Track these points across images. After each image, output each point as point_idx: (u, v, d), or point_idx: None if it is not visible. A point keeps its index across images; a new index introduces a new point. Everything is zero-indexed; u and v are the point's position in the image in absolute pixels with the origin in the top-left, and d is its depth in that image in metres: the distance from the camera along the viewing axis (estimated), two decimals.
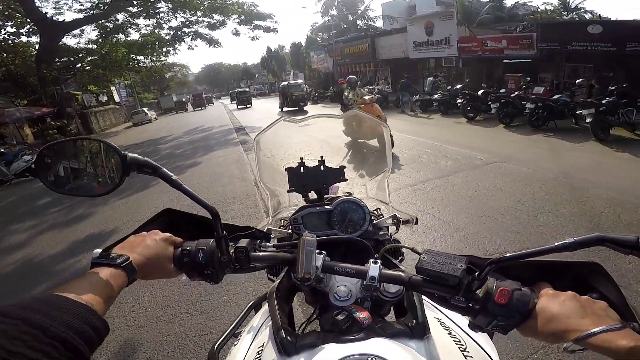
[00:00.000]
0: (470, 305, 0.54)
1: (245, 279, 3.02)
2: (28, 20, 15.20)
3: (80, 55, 17.56)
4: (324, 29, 32.96)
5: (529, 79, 10.95)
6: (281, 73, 45.12)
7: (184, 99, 46.03)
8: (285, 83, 22.41)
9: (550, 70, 12.70)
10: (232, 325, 0.89)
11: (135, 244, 0.64)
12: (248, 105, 28.20)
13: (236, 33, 20.82)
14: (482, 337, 0.71)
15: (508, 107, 9.18)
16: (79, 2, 16.83)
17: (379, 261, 0.64)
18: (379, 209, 1.11)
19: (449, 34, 15.55)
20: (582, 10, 21.60)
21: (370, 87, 18.15)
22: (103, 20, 17.29)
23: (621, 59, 10.23)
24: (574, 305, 0.48)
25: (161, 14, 18.17)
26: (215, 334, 2.45)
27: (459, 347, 0.66)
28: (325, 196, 1.04)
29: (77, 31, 17.67)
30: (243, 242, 0.71)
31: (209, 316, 2.66)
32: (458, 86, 12.20)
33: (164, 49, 19.61)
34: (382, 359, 0.53)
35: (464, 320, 0.66)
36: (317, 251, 0.65)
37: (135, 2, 16.51)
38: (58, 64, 16.03)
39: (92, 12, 16.93)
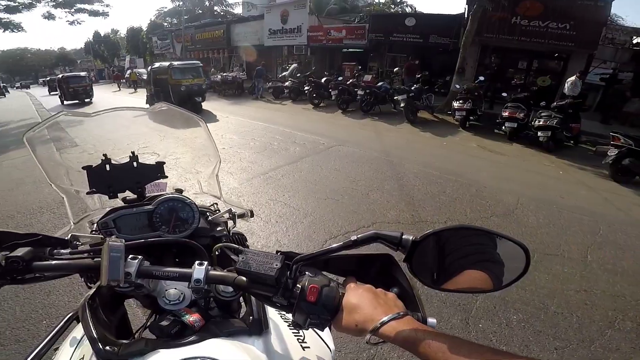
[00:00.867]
0: (291, 302, 0.55)
1: (67, 301, 2.46)
2: None
3: None
4: (174, 14, 30.80)
5: (360, 67, 12.59)
6: (113, 58, 39.88)
7: None
8: (158, 65, 13.18)
9: (377, 60, 14.93)
10: (47, 339, 0.75)
11: None
12: (87, 100, 16.86)
13: (49, 17, 16.45)
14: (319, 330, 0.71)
15: (344, 94, 10.33)
16: None
17: (205, 262, 0.61)
18: (216, 204, 1.06)
19: (300, 22, 16.24)
20: (404, 4, 25.77)
21: (224, 74, 17.45)
22: None
23: (425, 50, 12.77)
24: (370, 296, 0.53)
25: None
26: None
27: (297, 339, 0.67)
28: (147, 195, 0.95)
29: None
30: (19, 252, 0.64)
31: (28, 344, 2.10)
32: (306, 74, 12.99)
33: None
34: None
35: None
36: (131, 256, 0.61)
37: None
38: None
39: None
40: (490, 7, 9.28)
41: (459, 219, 3.76)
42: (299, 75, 13.54)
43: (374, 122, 9.06)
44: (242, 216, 1.01)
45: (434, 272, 0.55)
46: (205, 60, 23.85)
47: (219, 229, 0.92)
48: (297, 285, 0.55)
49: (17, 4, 15.40)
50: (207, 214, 0.94)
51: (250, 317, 0.64)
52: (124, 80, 24.84)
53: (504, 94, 8.44)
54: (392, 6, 25.59)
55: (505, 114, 7.42)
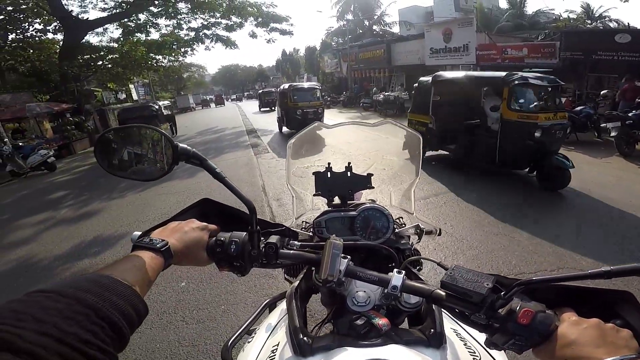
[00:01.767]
0: (490, 323, 0.53)
1: (244, 291, 2.93)
2: (54, 17, 15.62)
3: (101, 53, 17.90)
4: (339, 34, 32.61)
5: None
6: (295, 76, 45.34)
7: (207, 98, 54.62)
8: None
9: (572, 80, 12.25)
10: (247, 323, 0.89)
11: (174, 230, 0.67)
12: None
13: (253, 35, 20.83)
14: (496, 351, 0.68)
15: None
16: (104, 0, 17.30)
17: (403, 272, 0.63)
18: (402, 217, 1.12)
19: (467, 40, 15.23)
20: (606, 19, 20.80)
21: (386, 94, 17.98)
22: (125, 20, 17.68)
23: None
24: (594, 334, 0.47)
25: (181, 15, 18.47)
26: (210, 344, 2.36)
27: (474, 359, 0.65)
28: (349, 202, 1.05)
29: (100, 29, 18.17)
30: (273, 239, 0.73)
31: (205, 326, 2.56)
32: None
33: (182, 49, 19.84)
34: None
35: (477, 333, 0.63)
36: (342, 255, 0.65)
37: (156, 2, 16.81)
38: (81, 61, 16.37)
39: (115, 11, 17.36)
40: None
41: None
42: None
43: (569, 152, 7.34)
44: (429, 233, 1.01)
45: None
46: (367, 79, 24.60)
47: (403, 241, 0.96)
48: (503, 308, 0.53)
49: (232, 23, 19.43)
50: (395, 226, 0.97)
51: (432, 330, 0.64)
52: None
53: None
54: (588, 21, 20.76)
55: None
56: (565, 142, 7.91)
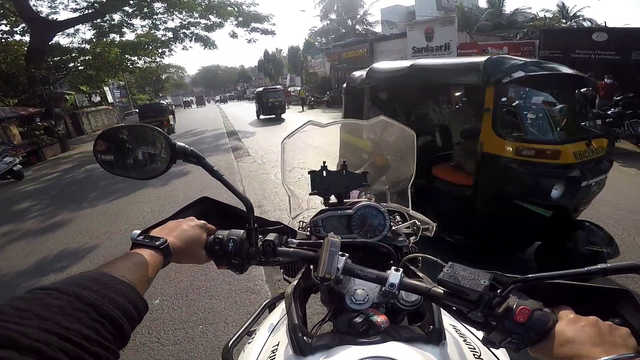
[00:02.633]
0: (487, 321, 0.53)
1: (224, 308, 2.73)
2: (21, 19, 14.82)
3: (72, 54, 17.09)
4: (323, 33, 32.71)
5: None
6: (278, 77, 44.94)
7: (189, 100, 56.86)
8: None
9: None
10: (247, 324, 0.90)
11: (172, 228, 0.68)
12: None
13: (233, 35, 20.37)
14: None
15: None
16: (75, 1, 16.50)
17: (401, 269, 0.63)
18: (398, 215, 1.11)
19: (449, 39, 15.45)
20: (580, 18, 21.56)
21: None
22: (98, 20, 16.94)
23: (624, 68, 10.05)
24: (592, 332, 0.46)
25: (157, 15, 17.85)
26: None
27: (474, 354, 0.65)
28: (345, 200, 1.04)
29: (71, 30, 17.32)
30: (271, 236, 0.73)
31: (182, 348, 2.36)
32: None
33: (159, 50, 19.22)
34: None
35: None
36: (340, 253, 0.65)
37: (131, 2, 16.18)
38: (50, 63, 15.61)
39: (87, 11, 16.59)
40: None
41: None
42: None
43: None
44: (425, 230, 1.02)
45: None
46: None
47: (400, 239, 0.95)
48: (500, 305, 0.52)
49: (211, 22, 18.72)
50: (391, 223, 0.97)
51: (431, 326, 0.64)
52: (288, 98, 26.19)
53: None
54: (563, 20, 21.49)
55: None
56: None
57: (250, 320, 0.92)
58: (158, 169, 0.68)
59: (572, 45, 11.03)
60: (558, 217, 2.55)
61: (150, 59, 20.27)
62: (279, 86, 22.42)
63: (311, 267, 0.76)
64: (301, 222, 1.11)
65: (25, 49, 15.21)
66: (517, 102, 2.70)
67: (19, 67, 14.82)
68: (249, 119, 19.21)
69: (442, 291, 0.57)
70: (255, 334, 0.85)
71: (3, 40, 15.76)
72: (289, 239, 0.80)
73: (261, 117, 18.68)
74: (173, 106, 30.97)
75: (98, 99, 25.61)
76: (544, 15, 22.29)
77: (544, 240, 2.79)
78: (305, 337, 0.61)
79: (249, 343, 0.83)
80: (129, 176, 0.71)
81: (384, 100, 4.11)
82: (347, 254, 0.66)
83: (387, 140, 1.37)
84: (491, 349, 0.68)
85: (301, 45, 35.77)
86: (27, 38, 16.25)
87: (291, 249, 0.75)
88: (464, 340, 0.69)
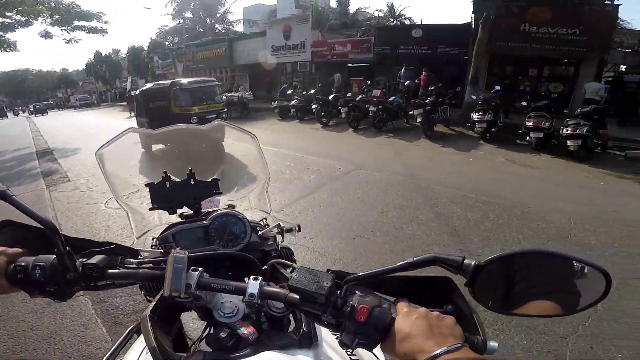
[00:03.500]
0: (339, 322, 0.54)
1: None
2: None
3: None
4: (176, 32, 30.19)
5: (369, 82, 12.14)
6: (115, 80, 38.80)
7: None
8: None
9: (384, 73, 14.48)
10: (110, 352, 0.78)
11: None
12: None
13: (46, 35, 16.22)
14: None
15: (355, 111, 9.89)
16: None
17: (260, 277, 0.62)
18: (265, 219, 1.10)
19: (304, 38, 15.99)
20: (403, 17, 25.60)
21: (229, 95, 17.13)
22: None
23: (434, 60, 12.36)
24: (423, 324, 0.49)
25: None
26: None
27: (347, 351, 0.67)
28: (202, 211, 1.01)
29: None
30: (95, 259, 0.66)
31: None
32: (312, 91, 12.62)
33: None
34: None
35: None
36: (192, 268, 0.62)
37: None
38: None
39: None
40: (493, 16, 8.95)
41: (514, 248, 3.21)
42: (304, 93, 13.19)
43: (390, 139, 8.58)
44: (289, 230, 1.03)
45: (499, 296, 0.54)
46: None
47: (268, 243, 0.95)
48: (347, 304, 0.54)
49: (12, 21, 14.62)
50: (257, 228, 0.96)
51: (301, 330, 0.64)
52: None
53: (524, 103, 8.14)
54: (391, 19, 25.51)
55: (530, 123, 7.01)
56: (384, 131, 9.31)
57: (113, 349, 0.80)
58: None
59: (398, 42, 12.98)
60: None
61: None
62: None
63: None
64: (154, 240, 1.01)
65: None
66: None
67: None
68: (78, 133, 15.47)
69: (297, 297, 0.56)
70: None
71: None
72: (127, 259, 0.74)
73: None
74: None
75: None
76: (378, 15, 25.69)
77: None
78: (168, 359, 0.58)
79: None
80: None
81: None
82: (200, 269, 0.63)
83: (236, 144, 1.32)
84: None
85: (146, 45, 31.97)
86: None
87: (129, 271, 0.70)
88: (337, 339, 0.69)
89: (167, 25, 32.73)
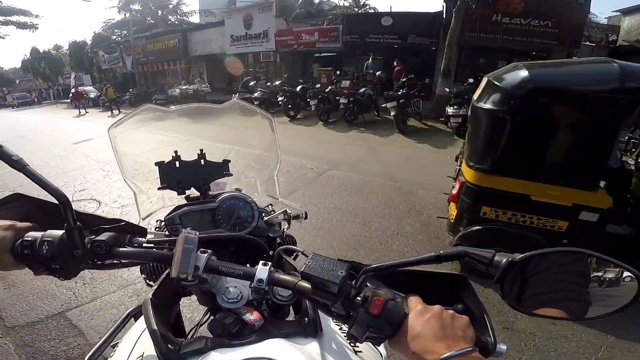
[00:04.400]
0: (349, 313, 0.52)
1: None
2: None
3: None
4: (123, 25, 28.03)
5: (338, 72, 11.48)
6: (56, 76, 35.64)
7: None
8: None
9: (352, 64, 13.89)
10: (107, 335, 0.79)
11: None
12: None
13: None
14: None
15: (324, 103, 9.29)
16: None
17: (269, 263, 0.58)
18: (271, 204, 1.06)
19: (267, 26, 15.12)
20: (367, 7, 25.12)
21: (184, 87, 15.82)
22: None
23: (403, 51, 11.96)
24: (436, 324, 0.47)
25: None
26: None
27: (351, 343, 0.62)
28: (210, 193, 0.98)
29: None
30: (104, 236, 0.64)
31: None
32: (277, 82, 11.82)
33: None
34: None
35: None
36: (201, 249, 0.58)
37: None
38: None
39: None
40: (473, 4, 8.67)
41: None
42: (268, 84, 12.38)
43: (362, 134, 8.08)
44: (296, 217, 1.00)
45: (527, 295, 0.52)
46: (161, 72, 22.36)
47: (274, 229, 0.93)
48: (359, 296, 0.52)
49: None
50: (263, 214, 0.94)
51: (306, 319, 0.62)
52: (83, 100, 18.95)
53: None
54: (356, 9, 25.04)
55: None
56: (355, 125, 8.82)
57: (110, 332, 0.79)
58: None
59: (366, 30, 12.41)
60: None
61: None
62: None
63: None
64: (159, 222, 0.94)
65: None
66: None
67: None
68: (11, 134, 13.54)
69: (308, 285, 0.54)
70: (117, 347, 0.74)
71: None
72: (135, 238, 0.70)
73: None
74: None
75: None
76: (342, 4, 25.12)
77: None
78: (169, 345, 0.55)
79: (110, 357, 0.72)
80: None
81: None
82: (209, 251, 0.59)
83: (246, 125, 1.28)
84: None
85: (89, 39, 29.46)
86: None
87: (137, 250, 0.66)
88: (342, 330, 0.68)
89: (113, 19, 30.67)
